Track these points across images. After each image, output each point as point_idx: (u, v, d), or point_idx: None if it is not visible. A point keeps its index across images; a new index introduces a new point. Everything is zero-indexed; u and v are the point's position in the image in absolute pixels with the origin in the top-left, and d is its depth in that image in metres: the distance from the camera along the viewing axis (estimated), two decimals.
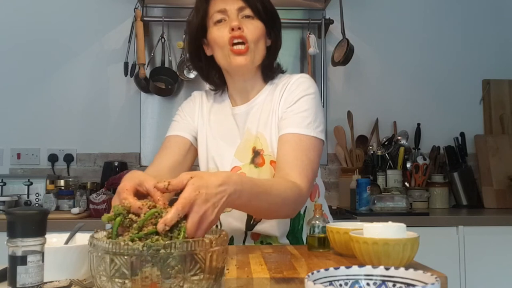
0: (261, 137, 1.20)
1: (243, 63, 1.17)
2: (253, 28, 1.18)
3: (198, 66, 1.30)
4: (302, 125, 1.14)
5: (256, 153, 1.19)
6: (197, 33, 1.23)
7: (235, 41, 1.16)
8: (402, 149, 2.65)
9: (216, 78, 1.29)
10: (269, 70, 1.26)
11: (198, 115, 1.30)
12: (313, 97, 1.19)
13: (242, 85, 1.25)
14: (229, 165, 1.21)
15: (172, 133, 1.28)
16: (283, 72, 1.31)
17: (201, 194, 0.77)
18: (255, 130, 1.22)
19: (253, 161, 1.19)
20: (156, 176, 1.14)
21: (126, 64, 2.67)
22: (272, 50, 1.25)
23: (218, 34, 1.18)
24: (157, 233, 0.70)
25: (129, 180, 0.85)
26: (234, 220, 1.20)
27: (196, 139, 1.28)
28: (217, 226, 1.19)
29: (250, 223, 1.19)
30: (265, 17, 1.20)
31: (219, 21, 1.19)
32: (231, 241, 1.22)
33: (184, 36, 2.64)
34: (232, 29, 1.15)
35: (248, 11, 1.19)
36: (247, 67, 1.19)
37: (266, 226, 1.18)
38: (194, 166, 1.29)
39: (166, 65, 2.72)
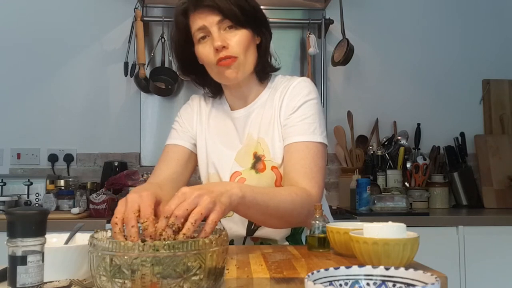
0: (262, 142, 1.19)
1: (234, 76, 1.15)
2: (238, 40, 1.13)
3: (191, 77, 1.29)
4: (308, 132, 1.14)
5: (257, 159, 1.18)
6: (184, 49, 1.20)
7: (223, 61, 1.13)
8: (402, 149, 2.65)
9: (211, 86, 1.27)
10: (263, 71, 1.24)
11: (197, 121, 1.29)
12: (315, 102, 1.18)
13: (238, 92, 1.24)
14: (229, 170, 1.20)
15: (171, 142, 1.27)
16: (276, 69, 1.28)
17: (202, 190, 0.81)
18: (256, 135, 1.20)
19: (254, 167, 1.18)
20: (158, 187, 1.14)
21: (126, 64, 2.67)
22: (263, 47, 1.22)
23: (204, 54, 1.15)
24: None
25: (153, 192, 0.87)
26: (234, 224, 1.19)
27: (195, 146, 1.27)
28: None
29: (251, 228, 1.19)
30: (248, 21, 1.16)
31: (203, 38, 1.15)
32: (230, 244, 1.21)
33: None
34: (217, 50, 1.12)
35: (228, 23, 1.13)
36: (238, 80, 1.17)
37: (266, 231, 1.17)
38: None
39: (166, 65, 2.72)
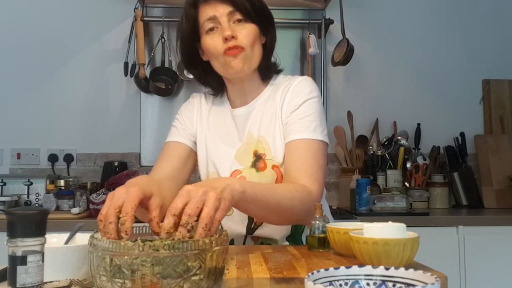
0: (263, 141, 1.19)
1: (240, 67, 1.15)
2: (247, 33, 1.15)
3: (194, 73, 1.29)
4: (309, 129, 1.14)
5: (258, 157, 1.18)
6: (190, 41, 1.21)
7: (230, 50, 1.14)
8: (402, 149, 2.65)
9: (214, 83, 1.27)
10: (267, 69, 1.25)
11: (197, 118, 1.29)
12: (316, 100, 1.19)
13: (241, 88, 1.24)
14: (229, 168, 1.20)
15: (171, 139, 1.27)
16: (279, 70, 1.29)
17: (206, 187, 0.79)
18: (256, 134, 1.20)
19: (254, 165, 1.18)
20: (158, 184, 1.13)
21: (126, 64, 2.67)
22: (268, 47, 1.23)
23: (212, 44, 1.15)
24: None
25: (141, 187, 0.83)
26: (234, 223, 1.19)
27: (195, 143, 1.27)
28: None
29: (251, 227, 1.19)
30: (257, 17, 1.18)
31: (211, 29, 1.16)
32: (231, 243, 1.21)
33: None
34: (226, 39, 1.13)
35: (238, 15, 1.15)
36: (244, 72, 1.17)
37: (267, 230, 1.17)
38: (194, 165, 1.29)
39: (166, 65, 2.72)
